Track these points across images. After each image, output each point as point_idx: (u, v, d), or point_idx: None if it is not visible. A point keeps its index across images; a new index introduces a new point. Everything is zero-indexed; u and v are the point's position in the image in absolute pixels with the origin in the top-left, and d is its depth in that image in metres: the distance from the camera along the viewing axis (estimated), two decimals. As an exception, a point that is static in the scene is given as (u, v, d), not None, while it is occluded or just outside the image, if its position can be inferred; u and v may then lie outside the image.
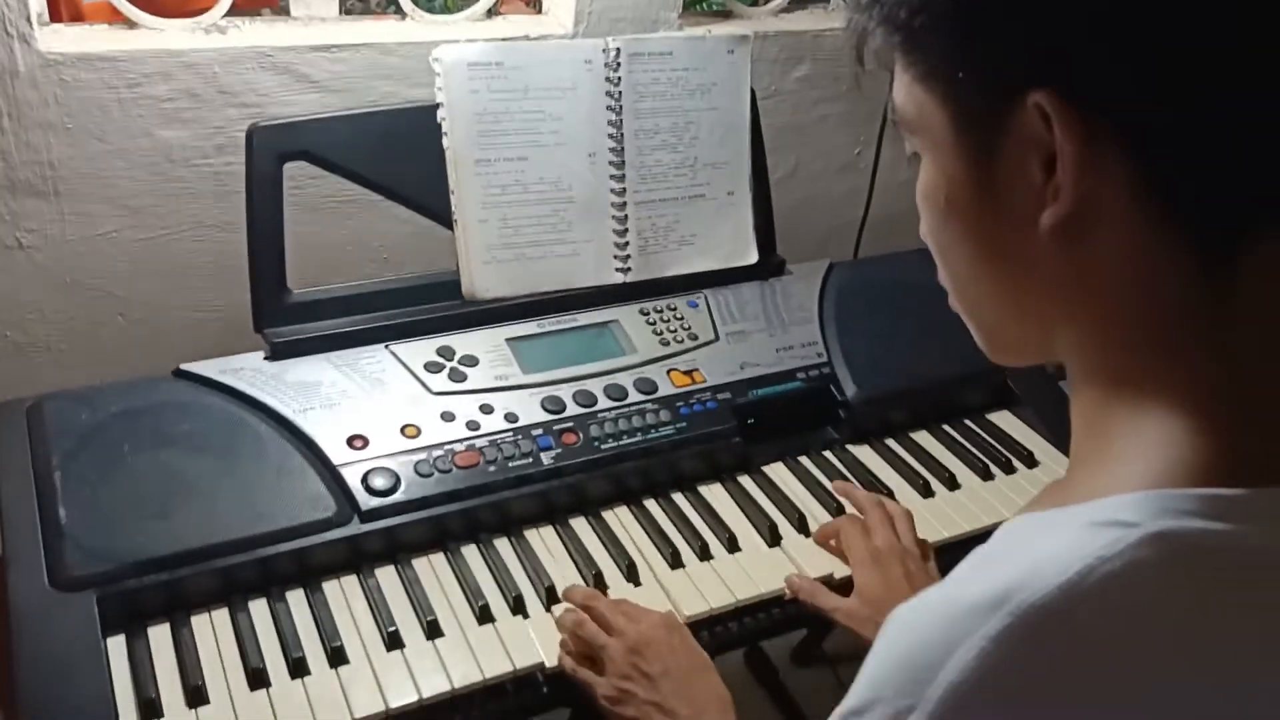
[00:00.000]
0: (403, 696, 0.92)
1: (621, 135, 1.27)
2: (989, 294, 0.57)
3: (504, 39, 1.36)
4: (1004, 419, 1.32)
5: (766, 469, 1.22)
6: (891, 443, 1.27)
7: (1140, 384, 0.51)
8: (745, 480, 1.20)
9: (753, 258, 1.36)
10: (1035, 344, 0.57)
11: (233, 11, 1.24)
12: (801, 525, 1.14)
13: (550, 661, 0.97)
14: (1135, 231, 0.48)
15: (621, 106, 1.27)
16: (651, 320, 1.28)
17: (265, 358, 1.15)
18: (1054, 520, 0.49)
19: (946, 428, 1.30)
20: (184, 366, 1.12)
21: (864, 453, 1.25)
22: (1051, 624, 0.45)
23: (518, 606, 1.01)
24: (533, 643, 0.98)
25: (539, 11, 1.45)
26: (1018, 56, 0.48)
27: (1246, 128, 0.46)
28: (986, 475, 1.23)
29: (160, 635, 0.95)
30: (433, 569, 1.05)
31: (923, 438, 1.29)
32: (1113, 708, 0.45)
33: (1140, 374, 0.51)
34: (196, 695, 0.90)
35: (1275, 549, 0.46)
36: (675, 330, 1.28)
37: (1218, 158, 0.46)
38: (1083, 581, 0.45)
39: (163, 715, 0.89)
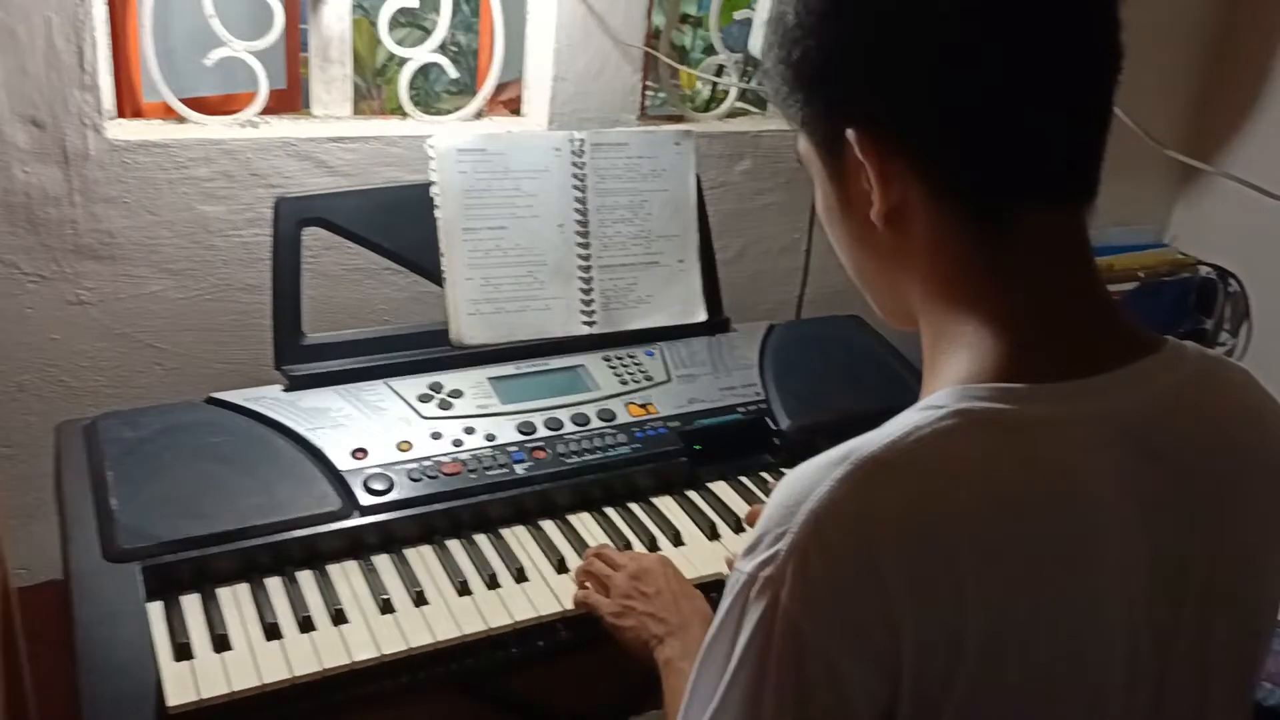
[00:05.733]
0: (393, 645, 1.10)
1: (586, 210, 1.52)
2: (866, 271, 0.79)
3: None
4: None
5: (711, 485, 1.41)
6: (820, 466, 1.47)
7: (953, 320, 0.72)
8: (692, 494, 1.39)
9: (701, 316, 1.59)
10: (902, 306, 0.77)
11: (264, 111, 1.50)
12: (738, 527, 1.33)
13: (531, 614, 1.16)
14: (934, 217, 0.70)
15: (586, 186, 1.52)
16: (613, 365, 1.50)
17: (283, 390, 1.35)
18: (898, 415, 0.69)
19: (868, 455, 1.50)
20: (214, 395, 1.33)
21: (795, 473, 1.45)
22: (878, 467, 0.64)
23: (492, 583, 1.19)
24: (504, 609, 1.16)
25: (519, 114, 1.72)
26: (834, 111, 0.72)
27: (987, 146, 0.68)
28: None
29: (191, 602, 1.13)
30: (421, 558, 1.24)
31: (847, 463, 1.48)
32: (925, 527, 0.63)
33: (952, 313, 0.72)
34: (221, 642, 1.07)
35: (1042, 418, 0.67)
36: (633, 372, 1.49)
37: (974, 163, 0.68)
38: (902, 440, 0.65)
39: (193, 656, 1.06)
